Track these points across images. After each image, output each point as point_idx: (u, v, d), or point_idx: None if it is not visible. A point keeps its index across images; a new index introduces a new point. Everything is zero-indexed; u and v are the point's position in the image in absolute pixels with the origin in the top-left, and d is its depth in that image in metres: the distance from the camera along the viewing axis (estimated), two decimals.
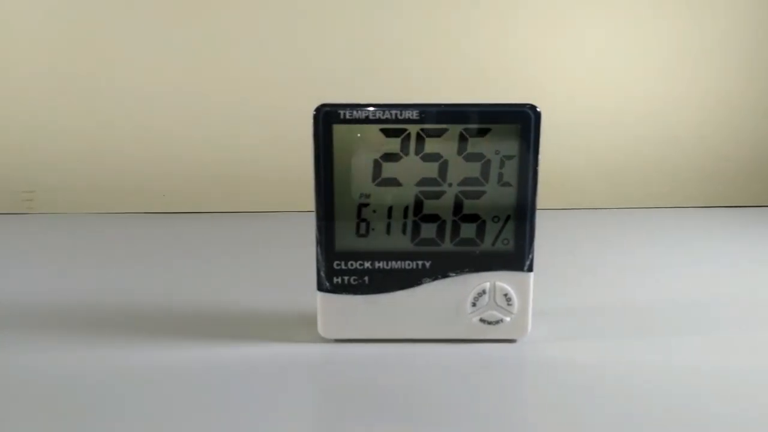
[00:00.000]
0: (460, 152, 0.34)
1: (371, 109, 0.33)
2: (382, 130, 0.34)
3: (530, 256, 0.35)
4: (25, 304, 0.44)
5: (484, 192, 0.34)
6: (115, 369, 0.34)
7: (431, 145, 0.34)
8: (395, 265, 0.35)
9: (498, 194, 0.34)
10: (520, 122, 0.33)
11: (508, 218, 0.35)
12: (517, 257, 0.35)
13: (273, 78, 0.72)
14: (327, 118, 0.33)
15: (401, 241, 0.35)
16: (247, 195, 0.73)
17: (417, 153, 0.34)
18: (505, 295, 0.35)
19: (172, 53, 0.72)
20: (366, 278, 0.35)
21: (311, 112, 0.33)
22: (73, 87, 0.72)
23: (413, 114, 0.34)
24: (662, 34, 0.73)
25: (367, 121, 0.34)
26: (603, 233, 0.66)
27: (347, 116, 0.33)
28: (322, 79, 0.71)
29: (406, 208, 0.35)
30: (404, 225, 0.35)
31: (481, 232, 0.35)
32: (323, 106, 0.33)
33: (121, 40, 0.71)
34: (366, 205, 0.35)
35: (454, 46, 0.72)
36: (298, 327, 0.38)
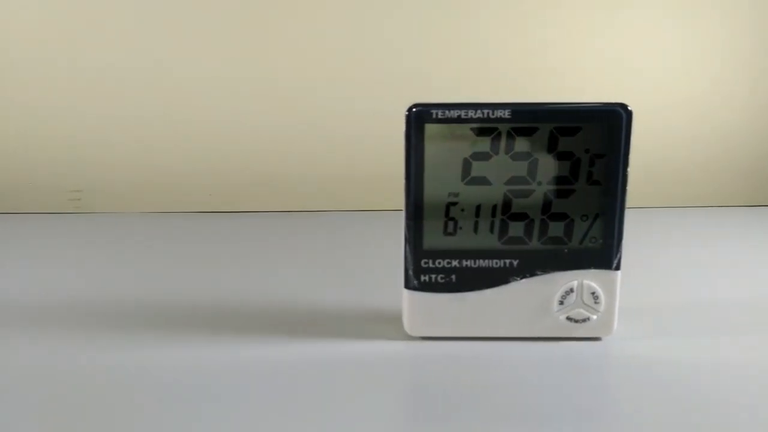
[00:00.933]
0: (549, 151, 0.34)
1: (463, 108, 0.34)
2: (473, 129, 0.34)
3: (618, 255, 0.35)
4: (91, 302, 0.44)
5: (573, 191, 0.35)
6: (203, 367, 0.34)
7: (521, 144, 0.34)
8: (483, 263, 0.35)
9: (587, 193, 0.34)
10: (611, 121, 0.34)
11: (596, 217, 0.35)
12: (605, 256, 0.35)
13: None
14: (419, 117, 0.34)
15: (489, 240, 0.35)
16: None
17: (507, 152, 0.34)
18: (593, 293, 0.35)
19: (229, 53, 0.72)
20: (453, 276, 0.35)
21: (397, 112, 0.34)
22: (121, 86, 0.72)
23: (505, 113, 0.34)
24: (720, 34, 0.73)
25: (458, 120, 0.34)
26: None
27: (439, 116, 0.34)
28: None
29: (495, 207, 0.35)
30: (492, 224, 0.35)
31: (569, 230, 0.35)
32: (415, 105, 0.34)
33: (177, 38, 0.71)
34: (454, 203, 0.35)
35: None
36: (382, 325, 0.38)
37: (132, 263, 0.55)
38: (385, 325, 0.38)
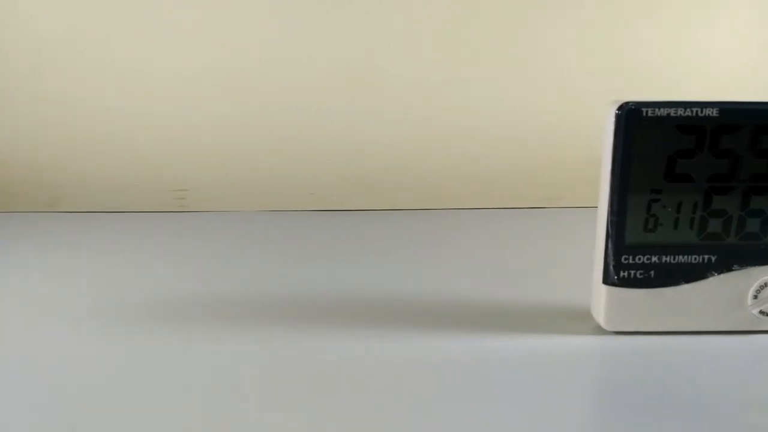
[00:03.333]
0: (752, 149, 0.35)
1: (672, 106, 0.34)
2: (678, 127, 0.35)
3: None
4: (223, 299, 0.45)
5: None
6: (377, 361, 0.35)
7: (725, 142, 0.35)
8: (681, 259, 0.36)
9: None
10: None
11: None
12: None
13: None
14: (630, 115, 0.34)
15: (688, 236, 0.36)
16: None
17: (710, 149, 0.35)
18: None
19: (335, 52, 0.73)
20: (652, 272, 0.36)
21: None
22: (226, 85, 0.73)
23: (712, 111, 0.34)
24: None
25: (666, 118, 0.34)
26: None
27: (649, 114, 0.34)
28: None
29: (695, 204, 0.36)
30: (692, 220, 0.36)
31: (765, 226, 0.36)
32: (627, 103, 0.34)
33: (283, 38, 0.72)
34: (657, 200, 0.35)
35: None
36: (571, 320, 0.39)
37: (255, 261, 0.55)
38: (572, 320, 0.39)
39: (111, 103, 0.75)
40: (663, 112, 0.34)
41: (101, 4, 0.73)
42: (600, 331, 0.37)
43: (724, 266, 0.36)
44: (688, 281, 0.36)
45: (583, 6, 0.74)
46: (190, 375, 0.33)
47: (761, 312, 0.36)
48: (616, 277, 0.36)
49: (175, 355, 0.36)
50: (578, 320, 0.39)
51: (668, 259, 0.36)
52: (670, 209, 0.36)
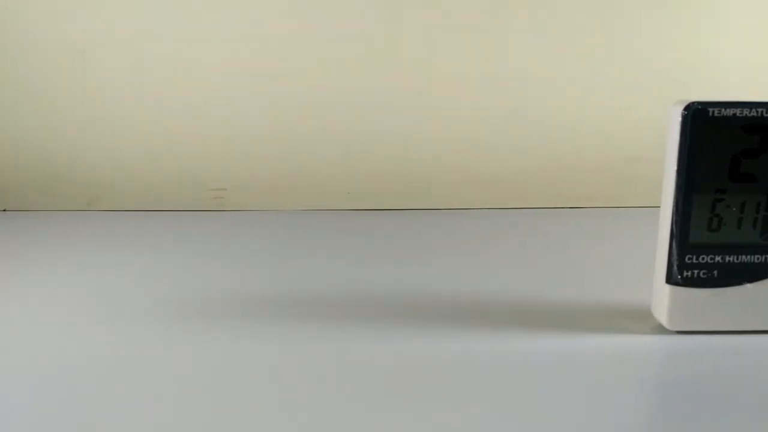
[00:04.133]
0: None
1: (738, 107, 0.34)
2: (743, 127, 0.35)
3: None
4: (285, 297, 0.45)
5: None
6: (451, 359, 0.35)
7: None
8: (744, 258, 0.36)
9: None
10: None
11: None
12: None
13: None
14: (696, 115, 0.34)
15: (751, 235, 0.36)
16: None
17: None
18: None
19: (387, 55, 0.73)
20: (715, 272, 0.36)
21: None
22: (264, 84, 0.74)
23: None
24: None
25: (733, 118, 0.34)
26: None
27: (715, 114, 0.34)
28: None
29: (759, 204, 0.36)
30: (755, 220, 0.36)
31: None
32: (693, 103, 0.34)
33: (326, 35, 0.73)
34: (721, 200, 0.36)
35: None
36: (631, 319, 0.39)
37: (300, 260, 0.56)
38: (631, 320, 0.39)
39: (149, 102, 0.76)
40: (729, 112, 0.34)
41: (140, 3, 0.74)
42: (661, 330, 0.38)
43: None
44: (750, 281, 0.36)
45: (618, 6, 0.74)
46: (288, 375, 0.34)
47: None
48: (679, 277, 0.36)
49: (268, 355, 0.36)
50: (638, 320, 0.39)
51: (731, 258, 0.36)
52: (734, 209, 0.36)
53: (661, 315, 0.37)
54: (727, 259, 0.36)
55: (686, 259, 0.36)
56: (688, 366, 0.35)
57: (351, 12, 0.73)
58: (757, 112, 0.34)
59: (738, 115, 0.34)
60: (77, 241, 0.64)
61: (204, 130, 0.75)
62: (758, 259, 0.36)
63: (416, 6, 0.73)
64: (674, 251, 0.36)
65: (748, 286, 0.36)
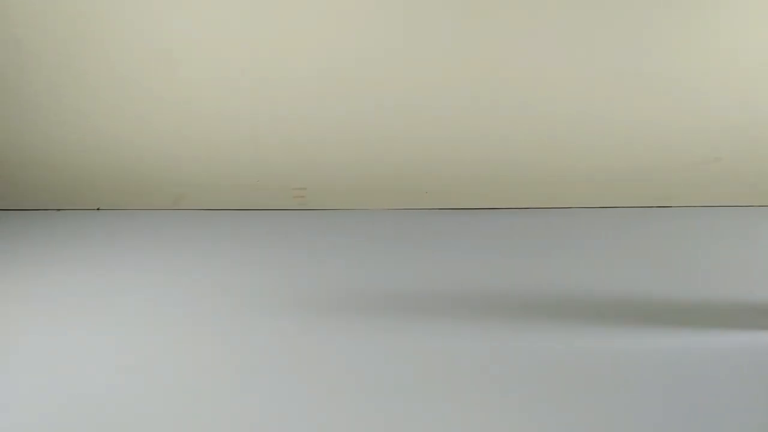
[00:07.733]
0: None
1: None
2: None
3: None
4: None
5: None
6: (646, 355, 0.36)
7: None
8: None
9: None
10: None
11: None
12: None
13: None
14: None
15: None
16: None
17: None
18: None
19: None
20: None
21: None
22: (344, 86, 0.76)
23: None
24: None
25: None
26: None
27: None
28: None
29: None
30: None
31: None
32: None
33: (405, 37, 0.74)
34: None
35: None
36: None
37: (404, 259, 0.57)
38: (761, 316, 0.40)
39: (231, 104, 0.79)
40: None
41: (222, 10, 0.77)
42: None
43: None
44: None
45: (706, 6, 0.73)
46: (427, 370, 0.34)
47: None
48: None
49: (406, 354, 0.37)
50: None
51: None
52: None
53: None
54: None
55: None
56: None
57: (426, 14, 0.74)
58: None
59: None
60: (162, 240, 0.66)
61: (285, 131, 0.78)
62: None
63: (494, 6, 0.74)
64: None
65: None
